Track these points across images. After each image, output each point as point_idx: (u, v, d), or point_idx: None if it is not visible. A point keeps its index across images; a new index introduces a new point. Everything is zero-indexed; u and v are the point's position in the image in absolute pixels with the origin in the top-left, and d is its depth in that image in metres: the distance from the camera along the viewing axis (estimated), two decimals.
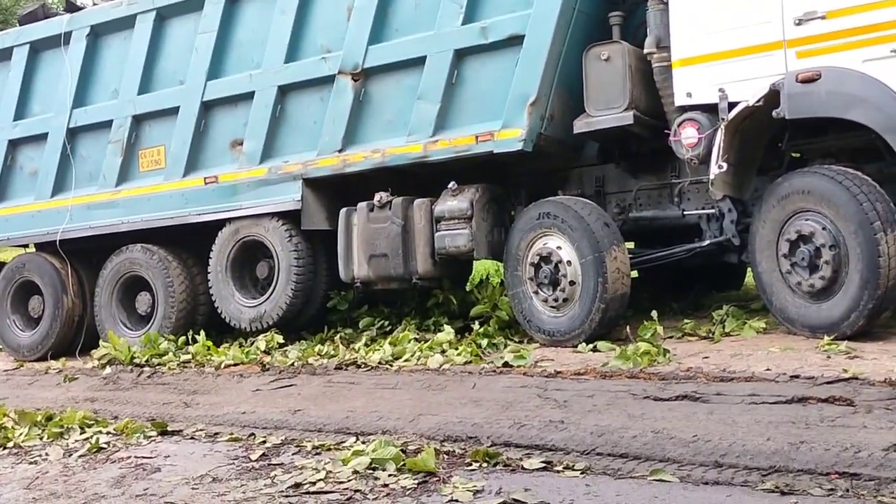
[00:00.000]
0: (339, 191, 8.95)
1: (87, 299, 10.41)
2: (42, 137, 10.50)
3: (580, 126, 7.78)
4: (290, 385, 7.47)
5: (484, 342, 7.75)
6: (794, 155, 7.47)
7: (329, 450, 5.45)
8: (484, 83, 8.06)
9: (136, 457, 5.84)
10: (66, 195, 10.36)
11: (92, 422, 6.68)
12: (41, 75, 10.62)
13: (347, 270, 8.71)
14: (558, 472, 4.48)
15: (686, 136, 7.25)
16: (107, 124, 10.07)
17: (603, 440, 4.83)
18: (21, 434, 6.58)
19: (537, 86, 7.69)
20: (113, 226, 10.05)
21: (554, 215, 7.61)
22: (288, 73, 8.98)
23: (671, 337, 7.44)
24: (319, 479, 4.86)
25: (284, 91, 9.02)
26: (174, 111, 9.63)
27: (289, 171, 8.95)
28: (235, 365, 8.47)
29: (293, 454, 5.50)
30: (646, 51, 7.55)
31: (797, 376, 5.68)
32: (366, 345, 8.39)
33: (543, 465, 4.62)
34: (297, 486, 4.83)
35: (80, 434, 6.46)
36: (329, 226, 8.95)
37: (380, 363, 7.74)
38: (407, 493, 4.51)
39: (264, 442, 5.83)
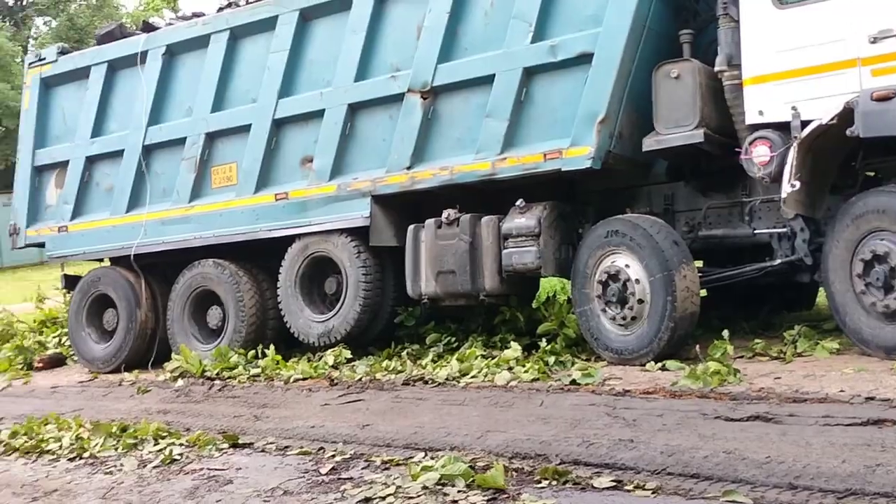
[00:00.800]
0: (406, 208, 9.02)
1: (160, 313, 10.58)
2: (118, 154, 10.73)
3: (649, 144, 7.75)
4: (359, 400, 7.53)
5: (551, 360, 7.73)
6: (868, 174, 7.36)
7: (398, 465, 5.49)
8: (553, 101, 8.08)
9: (208, 469, 5.94)
10: (141, 211, 10.57)
11: (165, 433, 6.79)
12: (118, 93, 10.85)
13: (415, 286, 8.76)
14: (629, 491, 4.46)
15: (758, 155, 7.19)
16: (180, 141, 10.26)
17: (673, 460, 4.80)
18: (96, 445, 6.72)
19: (606, 103, 7.69)
20: (185, 241, 10.23)
21: (622, 233, 7.59)
22: (358, 92, 9.08)
23: (741, 357, 7.37)
24: (389, 494, 4.89)
25: (354, 109, 9.12)
26: (246, 129, 9.78)
27: (358, 188, 9.04)
28: (304, 379, 8.55)
29: (362, 468, 5.55)
30: (716, 69, 7.51)
31: (872, 398, 5.60)
32: (433, 361, 8.43)
33: (613, 483, 4.60)
34: (367, 500, 4.88)
35: (154, 445, 6.57)
36: (397, 242, 9.01)
37: (447, 379, 7.77)
38: None
39: (334, 456, 5.88)
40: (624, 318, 7.57)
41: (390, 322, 9.43)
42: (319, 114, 9.29)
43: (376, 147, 9.04)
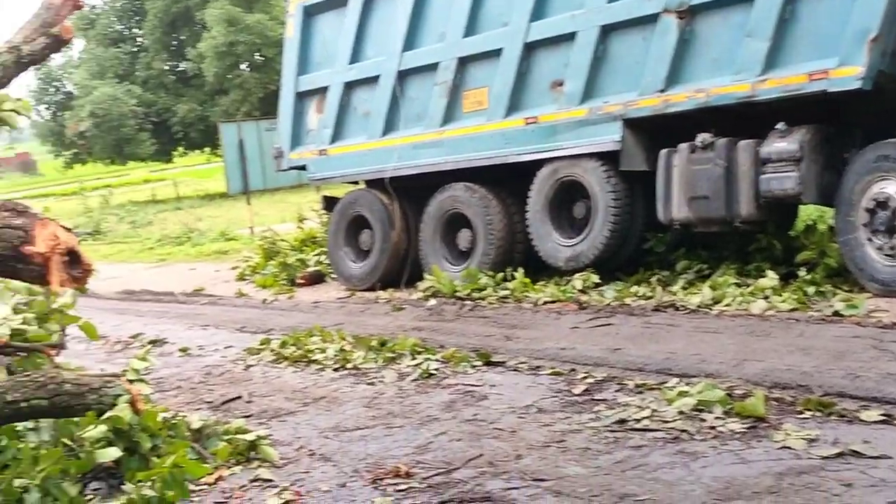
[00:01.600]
0: (657, 131, 8.83)
1: (412, 234, 10.91)
2: (374, 80, 11.03)
3: None
4: (608, 324, 7.55)
5: (810, 289, 7.46)
6: None
7: (651, 389, 5.49)
8: (819, 18, 7.63)
9: (463, 384, 6.15)
10: (395, 135, 10.88)
11: (421, 349, 7.06)
12: (374, 20, 11.10)
13: (666, 212, 8.61)
14: None
15: None
16: (433, 67, 10.42)
17: None
18: (358, 357, 7.09)
19: (879, 20, 7.19)
20: (437, 164, 10.46)
21: (894, 158, 7.14)
22: (611, 13, 8.91)
23: None
24: (644, 417, 4.92)
25: (606, 31, 8.95)
26: (497, 53, 9.82)
27: (609, 112, 8.94)
28: (553, 302, 8.65)
29: (615, 391, 5.59)
30: None
31: None
32: (683, 288, 8.32)
33: (883, 418, 4.43)
34: (622, 422, 4.92)
35: (411, 360, 6.86)
36: (648, 167, 8.86)
37: (699, 306, 7.67)
38: (735, 436, 4.48)
39: (586, 377, 5.95)
40: (892, 248, 7.17)
41: (639, 247, 9.34)
42: (571, 36, 9.19)
43: (628, 69, 8.87)
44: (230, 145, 23.11)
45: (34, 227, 3.65)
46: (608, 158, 9.01)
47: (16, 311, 5.67)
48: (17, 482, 4.32)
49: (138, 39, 42.20)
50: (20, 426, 4.79)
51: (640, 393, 5.45)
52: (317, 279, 12.11)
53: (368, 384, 6.43)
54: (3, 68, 3.95)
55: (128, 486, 4.25)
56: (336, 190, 13.29)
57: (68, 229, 3.85)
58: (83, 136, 38.55)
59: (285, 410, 5.96)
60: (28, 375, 4.69)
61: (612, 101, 8.94)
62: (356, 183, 12.05)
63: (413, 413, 5.60)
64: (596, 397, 5.50)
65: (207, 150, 41.74)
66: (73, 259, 3.83)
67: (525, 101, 9.71)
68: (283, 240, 13.66)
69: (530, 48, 9.58)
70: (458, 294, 9.50)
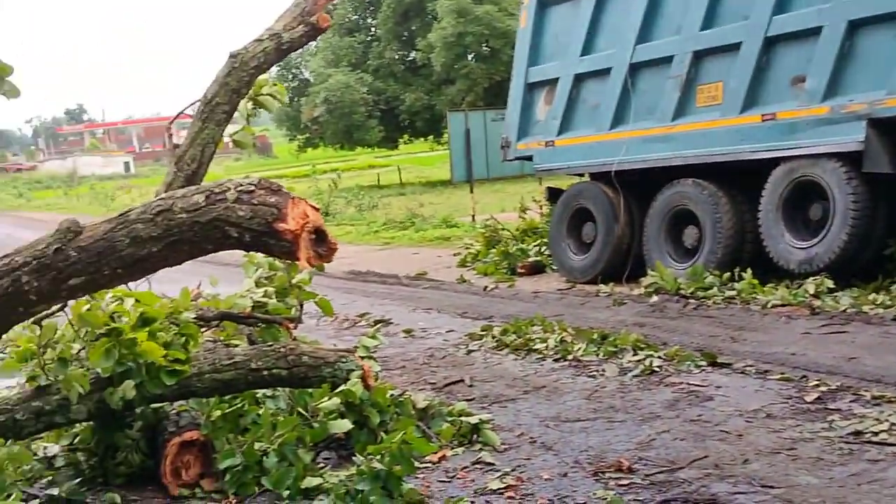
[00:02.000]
0: None
1: (636, 229, 10.78)
2: (605, 72, 10.96)
3: None
4: (843, 332, 7.24)
5: None
6: None
7: (890, 402, 5.24)
8: None
9: (687, 383, 6.04)
10: (623, 128, 10.77)
11: (643, 345, 6.99)
12: (608, 13, 11.01)
13: None
14: None
15: None
16: (667, 60, 10.24)
17: None
18: (579, 349, 7.09)
19: None
20: (666, 159, 10.28)
21: None
22: (860, 7, 8.47)
23: None
24: (882, 431, 4.72)
25: (854, 26, 8.52)
26: (735, 47, 9.53)
27: (853, 111, 8.51)
28: (782, 306, 8.34)
29: (850, 401, 5.35)
30: None
31: None
32: None
33: None
34: (858, 433, 4.73)
35: (633, 355, 6.80)
36: (892, 169, 8.39)
37: None
38: None
39: (818, 385, 5.72)
40: None
41: (879, 254, 8.84)
42: (816, 31, 8.80)
43: (876, 67, 8.40)
44: (457, 134, 23.40)
45: (287, 205, 3.84)
46: (849, 159, 8.59)
47: (258, 284, 6.01)
48: (256, 445, 4.59)
49: (372, 29, 43.55)
50: (259, 393, 5.08)
51: (878, 405, 5.20)
52: (537, 269, 12.16)
53: (589, 377, 6.43)
54: (264, 54, 4.18)
55: (357, 458, 4.44)
56: (559, 181, 13.30)
57: (316, 209, 4.04)
58: (317, 122, 40.21)
59: (506, 397, 6.04)
60: (271, 346, 4.98)
61: (857, 99, 8.51)
62: (580, 175, 12.02)
63: (635, 409, 5.56)
64: (829, 406, 5.28)
65: (431, 138, 42.65)
66: (319, 237, 4.02)
67: (762, 96, 9.40)
68: (504, 229, 13.78)
69: (770, 42, 9.26)
70: (681, 292, 9.31)
